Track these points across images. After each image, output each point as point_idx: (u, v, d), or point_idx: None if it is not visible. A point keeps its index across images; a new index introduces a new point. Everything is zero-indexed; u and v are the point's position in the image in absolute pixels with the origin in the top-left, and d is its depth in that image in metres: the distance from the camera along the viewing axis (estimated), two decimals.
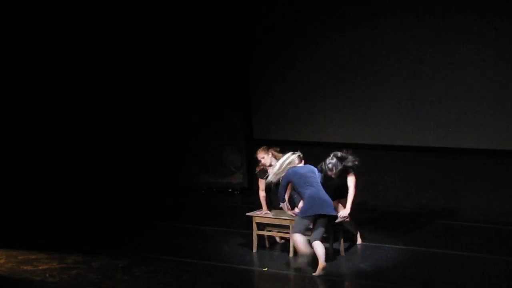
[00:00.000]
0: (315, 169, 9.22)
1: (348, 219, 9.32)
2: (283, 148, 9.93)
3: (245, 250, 9.91)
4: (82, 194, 13.06)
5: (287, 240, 9.76)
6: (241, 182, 13.54)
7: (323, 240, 8.98)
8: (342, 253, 9.57)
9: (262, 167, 9.79)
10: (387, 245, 10.00)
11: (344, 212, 9.21)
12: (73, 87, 13.16)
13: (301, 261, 8.98)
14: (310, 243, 8.79)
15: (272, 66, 12.90)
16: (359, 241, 9.99)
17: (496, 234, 10.50)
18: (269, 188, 9.72)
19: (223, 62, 13.37)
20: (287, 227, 9.59)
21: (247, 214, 9.98)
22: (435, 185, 11.84)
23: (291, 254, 9.58)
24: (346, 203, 9.23)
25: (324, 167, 9.24)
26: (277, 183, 9.31)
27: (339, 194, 9.39)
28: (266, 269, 9.17)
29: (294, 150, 9.40)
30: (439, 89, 11.50)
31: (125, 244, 10.37)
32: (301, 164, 9.24)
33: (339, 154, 9.26)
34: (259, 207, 9.99)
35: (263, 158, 9.76)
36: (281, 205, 9.27)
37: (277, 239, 10.16)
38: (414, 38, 11.60)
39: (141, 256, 9.68)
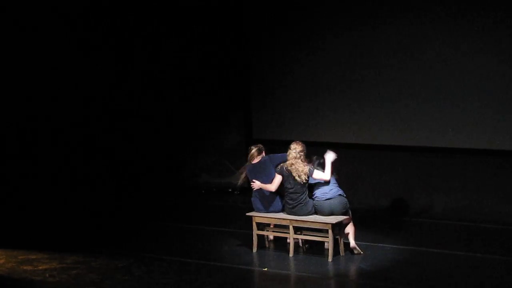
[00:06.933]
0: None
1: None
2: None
3: (245, 250, 9.91)
4: (82, 194, 13.06)
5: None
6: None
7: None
8: (342, 253, 9.57)
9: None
10: (387, 245, 10.00)
11: None
12: (73, 86, 13.17)
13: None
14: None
15: (272, 66, 12.90)
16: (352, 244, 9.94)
17: (496, 234, 10.50)
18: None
19: (223, 62, 13.37)
20: (287, 227, 9.63)
21: (247, 214, 9.98)
22: (435, 185, 11.83)
23: (291, 254, 9.59)
24: None
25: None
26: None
27: None
28: (266, 269, 9.17)
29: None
30: (440, 89, 11.50)
31: (125, 244, 10.38)
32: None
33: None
34: None
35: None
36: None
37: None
38: (414, 39, 11.60)
39: (141, 256, 9.68)
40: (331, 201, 9.45)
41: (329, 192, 9.48)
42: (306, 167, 9.43)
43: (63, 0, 12.77)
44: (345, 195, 9.54)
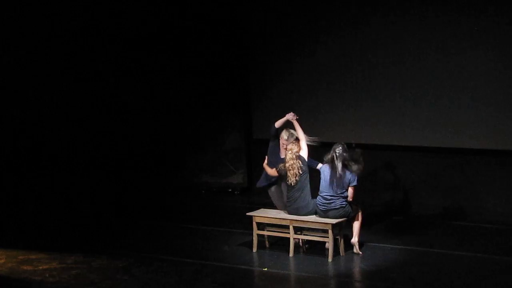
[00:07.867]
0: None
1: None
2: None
3: (245, 250, 9.92)
4: (82, 194, 13.06)
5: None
6: (241, 182, 13.53)
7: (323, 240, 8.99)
8: (342, 253, 9.57)
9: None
10: (387, 245, 10.00)
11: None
12: (74, 88, 13.17)
13: None
14: None
15: (272, 66, 12.90)
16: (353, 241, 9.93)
17: (496, 234, 10.51)
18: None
19: (223, 62, 13.37)
20: (287, 227, 9.63)
21: (247, 214, 9.99)
22: (435, 185, 11.84)
23: (291, 254, 9.59)
24: None
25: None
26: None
27: None
28: (266, 269, 9.17)
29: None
30: (440, 89, 11.51)
31: (125, 244, 10.38)
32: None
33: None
34: (259, 207, 10.07)
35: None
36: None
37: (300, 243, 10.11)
38: (414, 38, 11.61)
39: (141, 256, 9.68)
40: (328, 213, 9.47)
41: (329, 204, 9.47)
42: (298, 162, 9.50)
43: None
44: (344, 205, 9.48)
